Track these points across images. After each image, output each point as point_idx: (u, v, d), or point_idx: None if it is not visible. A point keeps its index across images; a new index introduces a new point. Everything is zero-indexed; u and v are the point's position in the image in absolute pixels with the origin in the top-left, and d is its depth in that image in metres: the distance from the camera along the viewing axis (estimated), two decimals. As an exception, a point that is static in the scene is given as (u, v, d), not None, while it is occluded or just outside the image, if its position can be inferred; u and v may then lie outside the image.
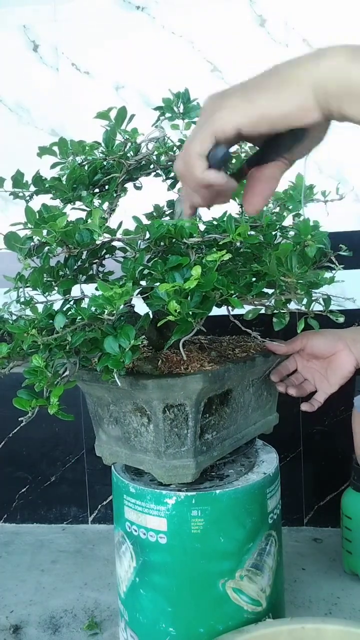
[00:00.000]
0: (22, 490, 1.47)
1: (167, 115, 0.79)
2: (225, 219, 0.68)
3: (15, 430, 1.46)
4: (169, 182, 0.87)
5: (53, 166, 0.78)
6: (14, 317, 0.72)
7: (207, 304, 0.62)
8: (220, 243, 0.66)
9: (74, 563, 1.28)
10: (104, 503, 1.44)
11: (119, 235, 0.69)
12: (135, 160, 0.77)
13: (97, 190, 0.81)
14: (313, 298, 0.73)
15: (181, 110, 0.80)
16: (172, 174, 0.86)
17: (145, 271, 0.66)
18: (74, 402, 1.42)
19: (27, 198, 0.80)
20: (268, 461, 0.87)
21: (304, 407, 0.87)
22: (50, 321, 0.65)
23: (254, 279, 0.69)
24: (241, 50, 1.32)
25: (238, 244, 0.65)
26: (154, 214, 0.86)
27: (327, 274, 0.72)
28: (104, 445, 0.86)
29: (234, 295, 0.65)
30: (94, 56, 1.38)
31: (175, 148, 0.82)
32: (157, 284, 0.63)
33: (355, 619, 1.00)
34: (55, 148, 0.77)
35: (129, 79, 1.36)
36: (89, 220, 0.66)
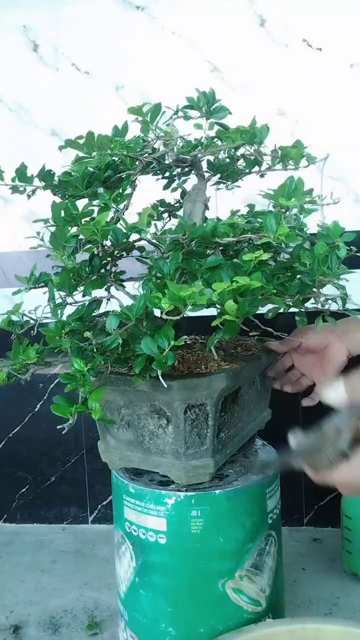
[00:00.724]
0: (22, 490, 1.47)
1: (187, 114, 0.78)
2: (264, 218, 0.68)
3: (15, 430, 1.46)
4: (164, 181, 0.87)
5: (78, 160, 0.76)
6: (33, 320, 0.71)
7: (255, 302, 0.63)
8: (258, 243, 0.66)
9: (74, 563, 1.28)
10: (104, 503, 1.44)
11: (150, 234, 0.68)
12: (153, 157, 0.77)
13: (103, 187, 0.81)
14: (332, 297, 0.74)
15: (204, 110, 0.79)
16: (167, 173, 0.86)
17: (179, 271, 0.66)
18: (74, 402, 1.42)
19: (30, 193, 0.79)
20: (268, 461, 0.87)
21: (305, 402, 0.92)
22: (79, 322, 0.64)
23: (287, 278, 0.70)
24: (241, 50, 1.32)
25: (274, 243, 0.65)
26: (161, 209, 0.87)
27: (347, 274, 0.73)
28: (112, 450, 0.85)
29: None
30: (94, 56, 1.37)
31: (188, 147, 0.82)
32: (199, 282, 0.63)
33: (355, 619, 1.00)
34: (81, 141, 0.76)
35: (129, 79, 1.36)
36: (117, 219, 0.66)
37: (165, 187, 0.89)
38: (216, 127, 0.84)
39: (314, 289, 0.70)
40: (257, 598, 0.81)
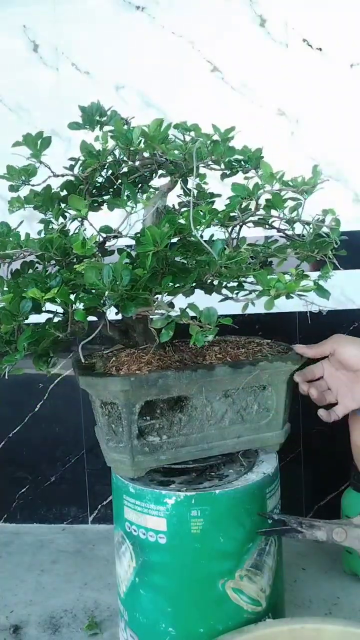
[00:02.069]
0: (22, 490, 1.47)
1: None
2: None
3: (15, 430, 1.46)
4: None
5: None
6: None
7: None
8: None
9: (74, 563, 1.28)
10: (104, 503, 1.44)
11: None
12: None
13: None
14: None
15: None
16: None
17: None
18: (74, 402, 1.42)
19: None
20: (267, 461, 0.87)
21: (321, 412, 0.84)
22: None
23: None
24: (241, 50, 1.32)
25: None
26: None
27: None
28: None
29: None
30: (94, 56, 1.37)
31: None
32: None
33: (355, 619, 1.00)
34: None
35: (129, 79, 1.36)
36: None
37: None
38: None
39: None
40: (257, 598, 0.81)
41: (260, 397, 0.85)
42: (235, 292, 0.84)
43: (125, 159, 0.78)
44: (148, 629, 0.81)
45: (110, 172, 0.82)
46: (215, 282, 0.82)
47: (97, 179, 0.81)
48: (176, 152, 0.74)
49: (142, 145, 0.75)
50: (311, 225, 0.80)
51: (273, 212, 0.80)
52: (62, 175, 0.79)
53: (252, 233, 0.92)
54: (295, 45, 1.30)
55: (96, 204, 0.83)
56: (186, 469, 0.85)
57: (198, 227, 0.72)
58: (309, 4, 1.29)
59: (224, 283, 0.82)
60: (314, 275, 0.84)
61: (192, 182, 0.80)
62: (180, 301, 0.77)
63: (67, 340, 0.77)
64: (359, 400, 0.80)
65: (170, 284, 0.71)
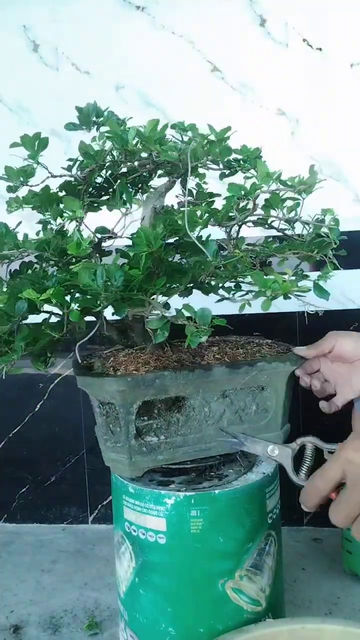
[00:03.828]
0: (22, 490, 1.47)
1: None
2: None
3: (15, 430, 1.46)
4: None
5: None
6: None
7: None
8: None
9: (74, 563, 1.28)
10: (104, 503, 1.44)
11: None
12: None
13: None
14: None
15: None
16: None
17: None
18: (74, 402, 1.42)
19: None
20: (267, 461, 0.87)
21: (323, 404, 0.87)
22: None
23: None
24: (241, 50, 1.32)
25: None
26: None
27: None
28: None
29: None
30: (94, 56, 1.37)
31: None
32: None
33: (355, 619, 1.00)
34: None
35: (129, 79, 1.36)
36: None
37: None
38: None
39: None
40: (257, 598, 0.81)
41: (259, 398, 0.85)
42: (232, 292, 0.84)
43: (122, 159, 0.78)
44: (148, 629, 0.81)
45: (109, 172, 0.82)
46: (213, 283, 0.82)
47: (95, 180, 0.81)
48: (171, 152, 0.74)
49: (139, 145, 0.75)
50: (310, 225, 0.80)
51: (272, 212, 0.80)
52: (61, 176, 0.79)
53: (254, 233, 0.92)
54: (295, 45, 1.30)
55: (95, 205, 0.83)
56: (186, 469, 0.85)
57: (195, 227, 0.72)
58: (309, 3, 1.29)
59: (220, 284, 0.82)
60: (315, 275, 0.84)
61: (191, 182, 0.80)
62: (178, 301, 0.77)
63: (65, 341, 0.77)
64: (357, 389, 0.82)
65: (165, 284, 0.71)
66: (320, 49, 1.30)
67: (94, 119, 0.79)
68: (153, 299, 0.72)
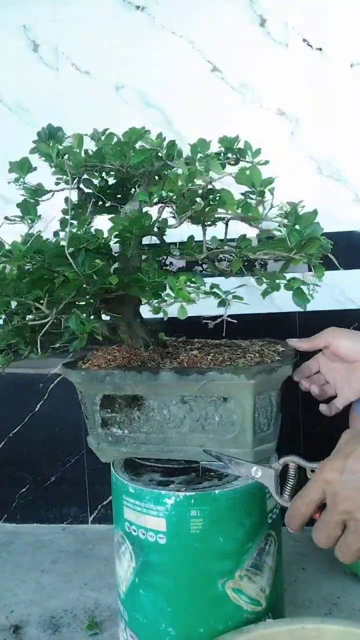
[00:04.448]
0: (22, 490, 1.47)
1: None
2: None
3: (15, 430, 1.46)
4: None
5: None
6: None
7: None
8: None
9: (74, 563, 1.28)
10: (104, 503, 1.44)
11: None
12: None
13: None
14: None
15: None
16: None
17: None
18: (74, 402, 1.42)
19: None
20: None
21: (322, 407, 0.83)
22: None
23: None
24: (241, 50, 1.32)
25: None
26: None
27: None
28: None
29: None
30: (94, 56, 1.37)
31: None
32: None
33: (355, 619, 1.00)
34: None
35: (129, 79, 1.36)
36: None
37: None
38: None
39: None
40: (257, 598, 0.81)
41: (222, 409, 0.80)
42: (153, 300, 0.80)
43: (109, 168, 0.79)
44: (148, 629, 0.81)
45: (113, 179, 0.83)
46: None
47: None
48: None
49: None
50: (281, 225, 0.75)
51: (222, 210, 0.76)
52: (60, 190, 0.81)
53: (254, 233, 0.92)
54: (295, 45, 1.30)
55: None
56: (186, 469, 0.85)
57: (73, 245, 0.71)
58: (309, 3, 1.29)
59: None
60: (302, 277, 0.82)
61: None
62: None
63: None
64: (357, 391, 0.80)
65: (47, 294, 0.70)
66: (320, 49, 1.30)
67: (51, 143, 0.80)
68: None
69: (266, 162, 0.76)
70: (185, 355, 0.85)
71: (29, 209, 0.77)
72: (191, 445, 0.83)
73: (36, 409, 1.44)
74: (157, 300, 0.77)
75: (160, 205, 0.78)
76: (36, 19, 1.39)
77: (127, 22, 1.35)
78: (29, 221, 0.76)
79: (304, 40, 1.30)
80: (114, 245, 0.79)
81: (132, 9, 1.35)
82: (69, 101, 1.37)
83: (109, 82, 1.36)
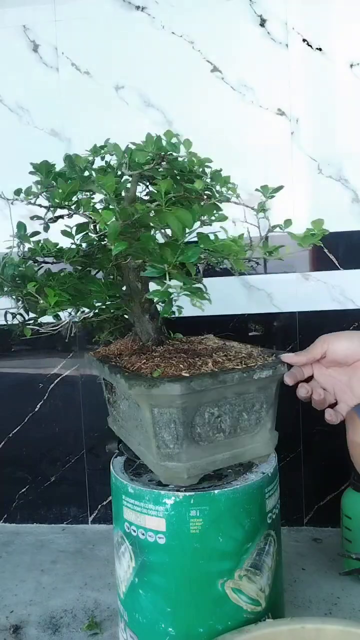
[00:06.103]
0: (22, 490, 1.47)
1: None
2: None
3: (15, 430, 1.46)
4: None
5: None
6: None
7: None
8: None
9: (74, 563, 1.28)
10: (104, 503, 1.44)
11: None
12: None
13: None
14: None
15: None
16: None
17: None
18: (74, 402, 1.42)
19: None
20: (267, 461, 0.87)
21: (328, 417, 0.76)
22: None
23: None
24: (241, 50, 1.32)
25: None
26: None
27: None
28: None
29: None
30: (94, 56, 1.38)
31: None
32: None
33: (355, 619, 1.00)
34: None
35: (129, 79, 1.36)
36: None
37: None
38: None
39: None
40: (257, 598, 0.81)
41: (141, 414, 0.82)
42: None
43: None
44: (148, 629, 0.81)
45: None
46: None
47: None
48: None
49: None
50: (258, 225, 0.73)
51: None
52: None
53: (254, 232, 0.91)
54: (295, 45, 1.30)
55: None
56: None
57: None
58: (309, 4, 1.29)
59: None
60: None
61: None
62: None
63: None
64: (359, 395, 0.75)
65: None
66: (320, 49, 1.30)
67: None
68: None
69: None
70: (176, 357, 0.81)
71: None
72: (134, 442, 0.87)
73: (36, 409, 1.44)
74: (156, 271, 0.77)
75: None
76: (36, 19, 1.39)
77: (127, 22, 1.36)
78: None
79: (304, 40, 1.30)
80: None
81: (132, 9, 1.35)
82: (69, 101, 1.37)
83: (109, 82, 1.36)
